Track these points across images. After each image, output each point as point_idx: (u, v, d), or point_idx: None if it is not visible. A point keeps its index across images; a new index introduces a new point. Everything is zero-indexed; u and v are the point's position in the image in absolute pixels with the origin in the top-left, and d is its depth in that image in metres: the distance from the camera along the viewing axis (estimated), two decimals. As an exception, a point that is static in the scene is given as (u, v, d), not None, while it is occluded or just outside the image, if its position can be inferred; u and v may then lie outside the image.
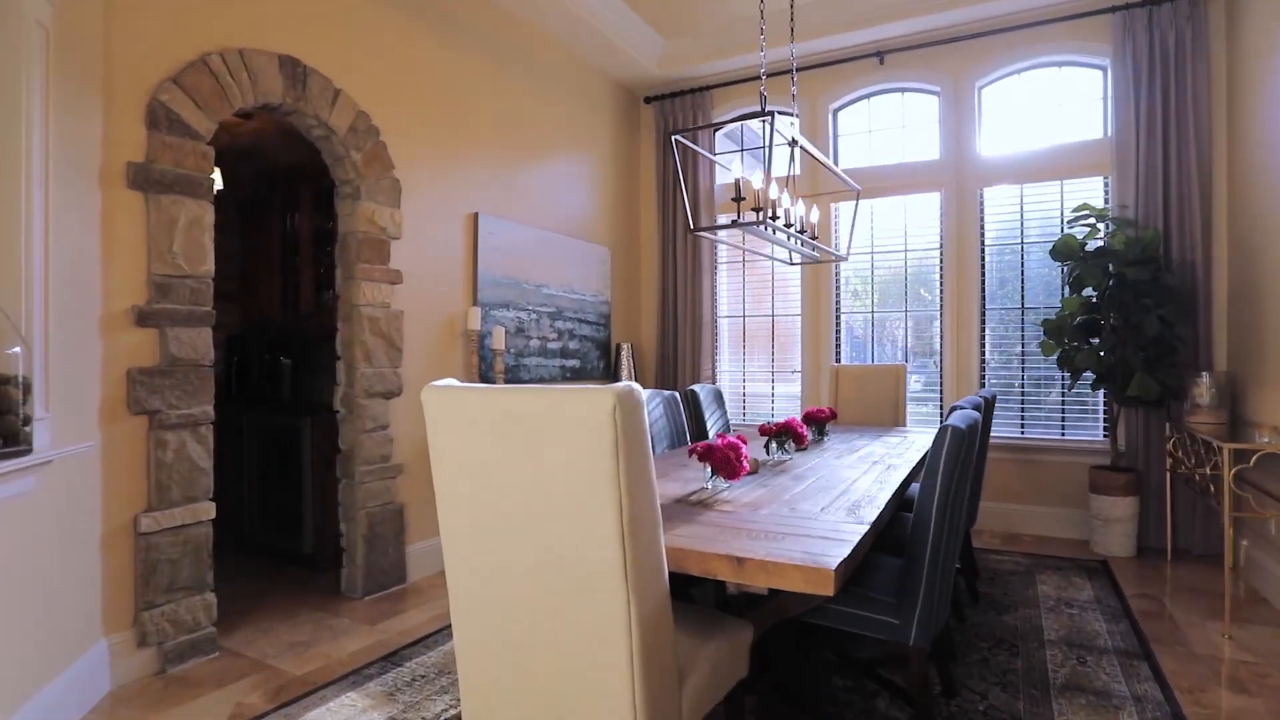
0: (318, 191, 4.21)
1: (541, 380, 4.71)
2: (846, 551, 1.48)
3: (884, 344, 5.35)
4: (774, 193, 2.69)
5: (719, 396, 4.38)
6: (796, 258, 3.67)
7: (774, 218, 2.65)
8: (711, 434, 4.08)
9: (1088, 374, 4.45)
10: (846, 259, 3.68)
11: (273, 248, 4.57)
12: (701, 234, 2.65)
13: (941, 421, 5.02)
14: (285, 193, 4.47)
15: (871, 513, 1.86)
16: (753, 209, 2.56)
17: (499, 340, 4.12)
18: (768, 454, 2.86)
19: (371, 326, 3.47)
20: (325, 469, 3.79)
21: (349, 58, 3.39)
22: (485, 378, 4.15)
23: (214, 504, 2.76)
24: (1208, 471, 3.32)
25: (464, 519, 1.42)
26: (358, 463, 3.43)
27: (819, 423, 3.48)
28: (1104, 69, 4.64)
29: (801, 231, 2.93)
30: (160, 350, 2.61)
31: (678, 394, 3.83)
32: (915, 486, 3.31)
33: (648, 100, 5.90)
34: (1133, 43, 4.36)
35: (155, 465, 2.58)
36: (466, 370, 4.06)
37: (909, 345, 5.22)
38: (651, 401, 3.52)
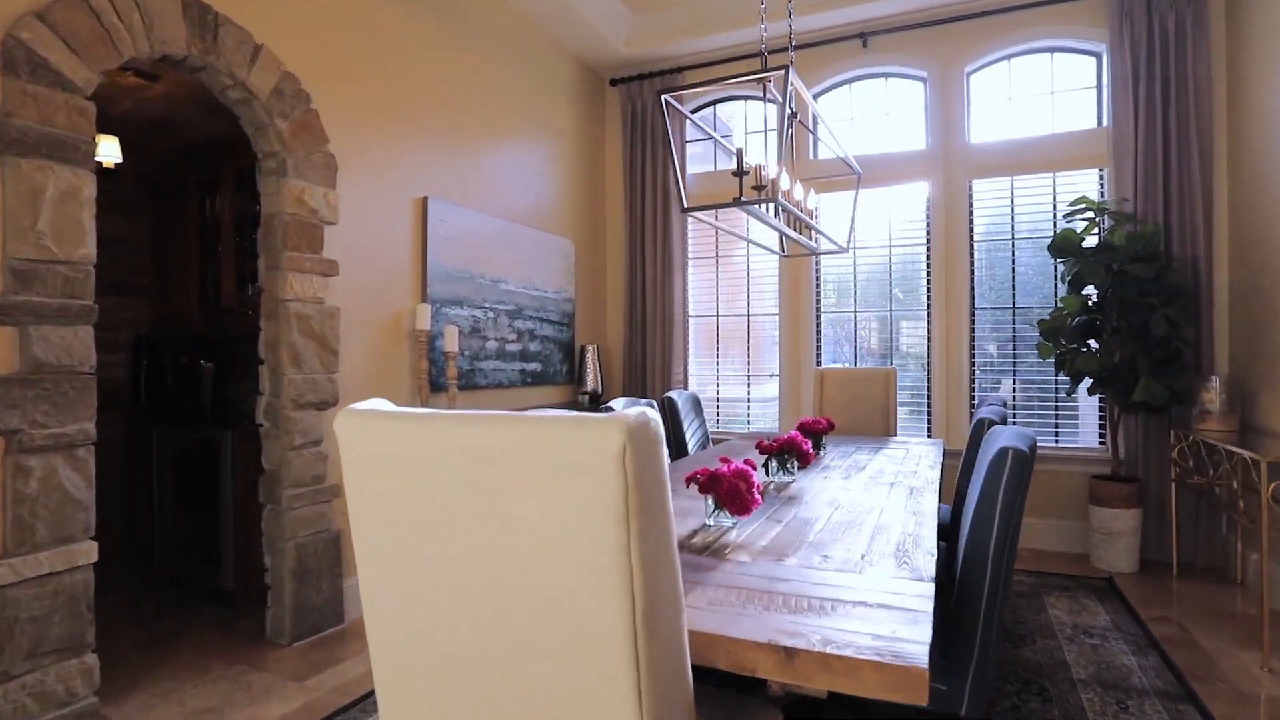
0: (241, 170, 3.67)
1: (499, 386, 4.24)
2: (928, 633, 1.09)
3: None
4: (773, 170, 2.30)
5: (697, 404, 3.99)
6: (789, 248, 3.29)
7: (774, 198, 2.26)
8: (691, 445, 3.68)
9: (1086, 377, 4.19)
10: (848, 250, 3.32)
11: (189, 234, 4.00)
12: (695, 215, 2.25)
13: (932, 431, 4.69)
14: (204, 171, 3.91)
15: (927, 562, 1.48)
16: (754, 187, 2.16)
17: (452, 342, 3.65)
18: (767, 474, 2.47)
19: (301, 325, 2.97)
20: (249, 491, 3.27)
21: (273, 9, 2.88)
22: (436, 384, 3.67)
23: (95, 544, 2.24)
24: (1235, 486, 3.06)
25: (395, 606, 0.98)
26: (285, 485, 2.93)
27: (815, 435, 3.11)
28: (1098, 55, 4.40)
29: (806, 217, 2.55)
30: (20, 353, 2.08)
31: (655, 403, 3.42)
32: (944, 508, 2.96)
33: (613, 82, 5.47)
34: (1130, 27, 4.11)
35: (13, 499, 2.05)
36: (414, 375, 3.58)
37: (894, 346, 4.90)
38: (627, 411, 3.10)
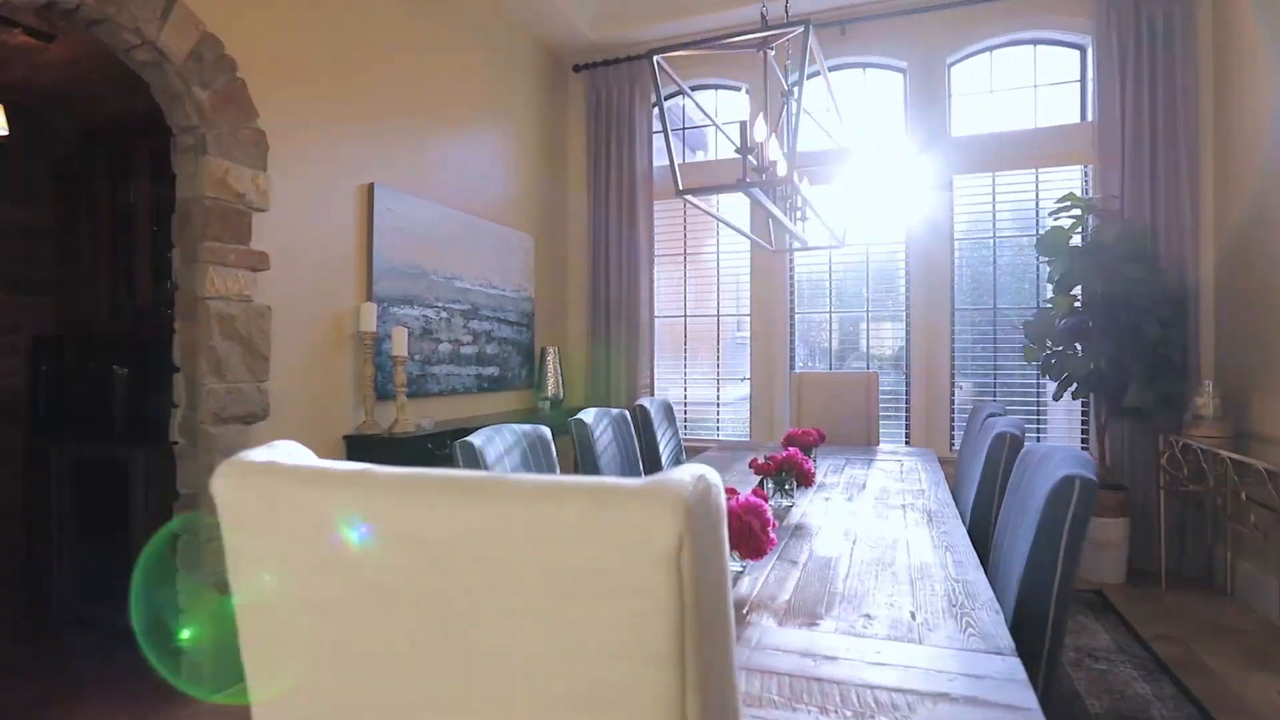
0: (159, 151, 3.23)
1: (454, 393, 3.88)
2: (1049, 747, 0.81)
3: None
4: (774, 153, 2.02)
5: (669, 411, 3.70)
6: (775, 242, 3.03)
7: (769, 180, 1.98)
8: (665, 458, 3.39)
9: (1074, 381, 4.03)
10: (843, 245, 3.08)
11: (100, 224, 3.53)
12: (688, 198, 1.96)
13: (911, 437, 4.43)
14: (117, 152, 3.45)
15: (996, 624, 1.21)
16: (753, 170, 1.88)
17: (401, 344, 3.28)
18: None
19: (223, 327, 2.57)
20: (166, 517, 2.84)
21: (189, -40, 2.48)
22: (383, 391, 3.30)
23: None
24: (1244, 496, 2.91)
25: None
26: (204, 512, 2.53)
27: (805, 448, 2.85)
28: (1082, 49, 4.27)
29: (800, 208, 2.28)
30: None
31: (627, 413, 3.12)
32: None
33: (577, 68, 5.14)
34: (1118, 19, 3.97)
35: None
36: (359, 383, 3.20)
37: (868, 349, 4.70)
38: (600, 424, 2.79)
